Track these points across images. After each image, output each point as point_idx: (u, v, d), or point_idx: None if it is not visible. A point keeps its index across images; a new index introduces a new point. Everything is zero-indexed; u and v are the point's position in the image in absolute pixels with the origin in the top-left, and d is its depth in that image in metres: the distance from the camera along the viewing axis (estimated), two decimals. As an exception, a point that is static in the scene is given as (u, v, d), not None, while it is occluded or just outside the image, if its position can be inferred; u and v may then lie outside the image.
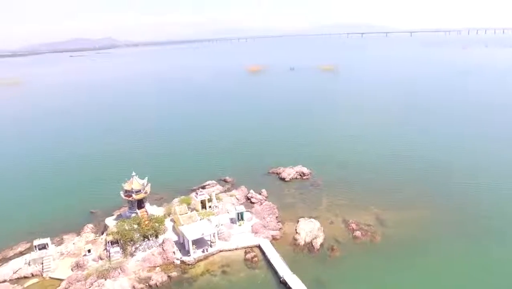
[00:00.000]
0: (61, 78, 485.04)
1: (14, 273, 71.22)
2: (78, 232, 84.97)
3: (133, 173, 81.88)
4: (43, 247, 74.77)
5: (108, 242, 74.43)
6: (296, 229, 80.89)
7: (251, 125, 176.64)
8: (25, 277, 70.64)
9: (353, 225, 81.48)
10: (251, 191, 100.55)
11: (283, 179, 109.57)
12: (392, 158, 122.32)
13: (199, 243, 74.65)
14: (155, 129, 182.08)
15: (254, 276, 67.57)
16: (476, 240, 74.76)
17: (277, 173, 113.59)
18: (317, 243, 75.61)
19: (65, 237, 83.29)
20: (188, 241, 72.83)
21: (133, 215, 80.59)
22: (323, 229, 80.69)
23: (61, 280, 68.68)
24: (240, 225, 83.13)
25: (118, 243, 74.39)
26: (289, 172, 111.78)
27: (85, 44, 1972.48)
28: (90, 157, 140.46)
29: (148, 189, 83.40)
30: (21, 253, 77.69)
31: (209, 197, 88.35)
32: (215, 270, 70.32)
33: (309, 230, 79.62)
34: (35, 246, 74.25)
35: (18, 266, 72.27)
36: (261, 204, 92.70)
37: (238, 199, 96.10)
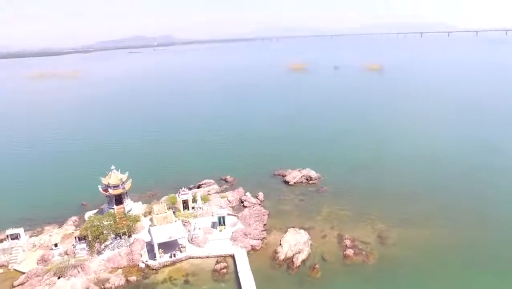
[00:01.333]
0: (113, 71, 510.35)
1: (-13, 259, 69.90)
2: (61, 224, 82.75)
3: (112, 167, 77.89)
4: (16, 237, 73.17)
5: (76, 237, 70.76)
6: (280, 240, 71.69)
7: (272, 123, 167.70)
8: (-4, 266, 69.06)
9: (347, 242, 70.45)
10: (247, 193, 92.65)
11: (286, 183, 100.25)
12: (420, 166, 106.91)
13: (168, 246, 68.48)
14: (174, 122, 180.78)
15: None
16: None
17: (282, 175, 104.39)
18: (299, 259, 65.87)
19: (46, 228, 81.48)
20: (154, 244, 66.84)
21: (111, 211, 76.38)
22: (311, 243, 70.80)
23: (23, 273, 66.04)
24: (220, 230, 75.68)
25: (85, 239, 70.33)
26: (294, 175, 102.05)
27: (145, 42, 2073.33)
28: (100, 147, 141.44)
29: (127, 185, 78.93)
30: (-1, 242, 76.47)
31: (192, 197, 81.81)
32: (178, 278, 63.72)
33: (294, 243, 70.04)
34: (7, 236, 72.89)
35: (-8, 252, 70.89)
36: (252, 208, 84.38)
37: (229, 201, 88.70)
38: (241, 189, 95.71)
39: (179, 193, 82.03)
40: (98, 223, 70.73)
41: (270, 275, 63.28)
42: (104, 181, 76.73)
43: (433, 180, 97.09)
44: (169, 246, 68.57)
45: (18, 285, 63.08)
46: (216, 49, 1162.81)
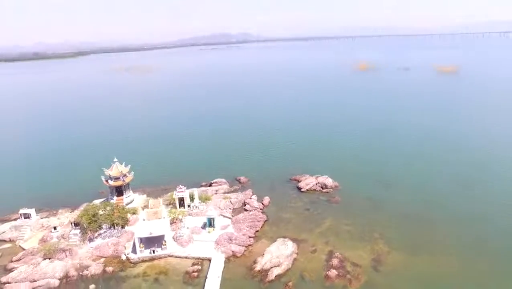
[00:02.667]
0: (183, 66, 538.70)
1: (1, 233, 77.44)
2: (74, 209, 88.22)
3: (115, 159, 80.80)
4: (27, 216, 79.62)
5: (71, 223, 74.76)
6: (265, 250, 67.67)
7: (311, 127, 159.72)
8: (3, 240, 76.30)
9: (335, 261, 63.80)
10: (253, 196, 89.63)
11: (299, 189, 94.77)
12: (455, 191, 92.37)
13: (151, 242, 68.80)
14: (213, 118, 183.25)
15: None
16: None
17: (297, 181, 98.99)
18: (274, 273, 61.36)
19: (60, 211, 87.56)
20: (135, 238, 67.68)
21: (109, 201, 79.40)
22: (295, 258, 65.67)
23: (24, 250, 71.73)
24: (209, 232, 74.05)
25: (78, 225, 73.93)
26: (308, 182, 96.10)
27: (224, 39, 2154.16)
28: (133, 138, 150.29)
29: (128, 178, 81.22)
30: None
31: (187, 195, 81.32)
32: (150, 275, 63.78)
33: (276, 254, 65.59)
34: (20, 214, 79.65)
35: (3, 229, 78.42)
36: (249, 213, 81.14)
37: (232, 203, 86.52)
38: (249, 192, 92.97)
39: (176, 190, 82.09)
40: (92, 212, 73.69)
41: (239, 285, 59.96)
42: (107, 172, 79.86)
43: (464, 207, 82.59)
44: (153, 241, 68.87)
45: (15, 260, 68.62)
46: (293, 47, 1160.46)
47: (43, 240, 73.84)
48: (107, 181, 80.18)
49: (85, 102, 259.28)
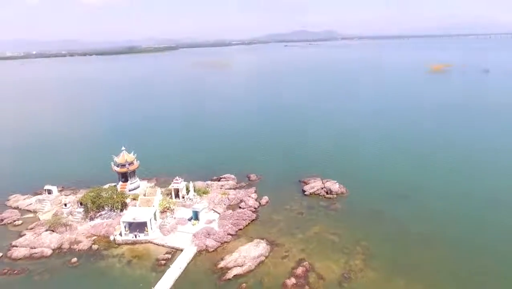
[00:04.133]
0: (255, 62, 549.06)
1: (27, 205, 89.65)
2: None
3: (123, 148, 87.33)
4: (50, 192, 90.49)
5: (78, 202, 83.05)
6: (237, 249, 67.93)
7: (345, 131, 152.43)
8: (29, 211, 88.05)
9: (301, 270, 61.51)
10: (252, 195, 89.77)
11: (303, 191, 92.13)
12: (470, 212, 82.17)
13: (135, 227, 73.62)
14: (253, 115, 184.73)
15: (143, 278, 61.67)
16: None
17: (305, 183, 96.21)
18: (232, 272, 61.43)
19: (81, 190, 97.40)
20: (121, 222, 73.02)
21: (113, 186, 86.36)
22: (262, 260, 64.86)
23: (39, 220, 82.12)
24: (193, 224, 76.52)
25: (82, 204, 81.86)
26: (313, 186, 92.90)
27: (306, 36, 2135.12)
28: (168, 129, 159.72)
29: (133, 166, 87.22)
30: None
31: (183, 187, 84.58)
32: (126, 257, 68.56)
33: (244, 254, 65.48)
34: (44, 190, 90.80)
35: (31, 201, 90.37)
36: (238, 210, 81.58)
37: (229, 199, 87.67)
38: (251, 190, 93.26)
39: (173, 181, 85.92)
40: (95, 194, 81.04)
41: (196, 279, 61.31)
42: (115, 159, 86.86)
43: (474, 237, 72.33)
44: (136, 227, 73.59)
45: (29, 229, 78.87)
46: (374, 45, 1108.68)
47: (55, 214, 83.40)
48: (116, 167, 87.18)
49: (143, 94, 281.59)
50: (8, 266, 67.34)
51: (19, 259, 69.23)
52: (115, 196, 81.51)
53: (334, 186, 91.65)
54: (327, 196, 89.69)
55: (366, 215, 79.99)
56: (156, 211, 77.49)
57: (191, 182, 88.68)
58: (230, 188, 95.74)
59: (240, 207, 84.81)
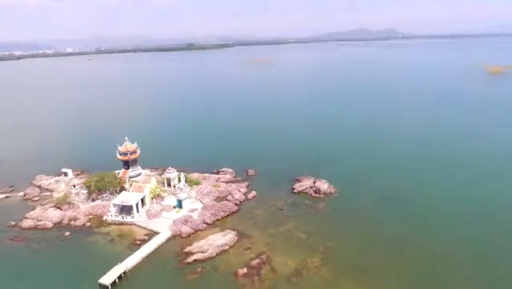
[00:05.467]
0: (301, 60, 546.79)
1: (47, 185, 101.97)
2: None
3: (126, 138, 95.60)
4: (66, 174, 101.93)
5: (83, 184, 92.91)
6: (206, 235, 72.72)
7: (361, 133, 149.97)
8: (47, 189, 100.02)
9: (256, 261, 64.65)
10: (241, 189, 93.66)
11: (293, 189, 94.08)
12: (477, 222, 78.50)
13: (123, 210, 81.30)
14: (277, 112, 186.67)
15: (119, 254, 68.28)
16: None
17: (298, 181, 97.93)
18: (193, 257, 66.28)
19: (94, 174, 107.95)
20: (111, 204, 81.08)
21: (115, 172, 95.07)
22: (225, 249, 68.96)
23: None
24: (177, 212, 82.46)
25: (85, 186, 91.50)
26: (303, 184, 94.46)
27: (364, 35, 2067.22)
28: (193, 121, 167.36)
29: (134, 155, 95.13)
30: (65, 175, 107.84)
31: (174, 177, 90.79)
32: (111, 235, 76.48)
33: (210, 242, 70.03)
34: (61, 172, 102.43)
35: (50, 182, 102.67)
36: (221, 202, 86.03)
37: (218, 191, 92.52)
38: (244, 184, 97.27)
39: (166, 171, 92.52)
40: (97, 178, 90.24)
41: (160, 259, 67.07)
42: (119, 148, 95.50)
43: (448, 244, 70.21)
44: (125, 210, 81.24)
45: (42, 205, 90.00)
46: (434, 45, 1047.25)
47: (65, 194, 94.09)
48: (118, 155, 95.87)
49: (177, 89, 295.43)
50: (16, 233, 78.48)
51: (26, 229, 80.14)
52: (114, 181, 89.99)
53: (323, 186, 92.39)
54: (314, 195, 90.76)
55: (345, 217, 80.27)
56: (145, 197, 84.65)
57: (182, 173, 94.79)
58: (226, 182, 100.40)
59: (226, 200, 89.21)
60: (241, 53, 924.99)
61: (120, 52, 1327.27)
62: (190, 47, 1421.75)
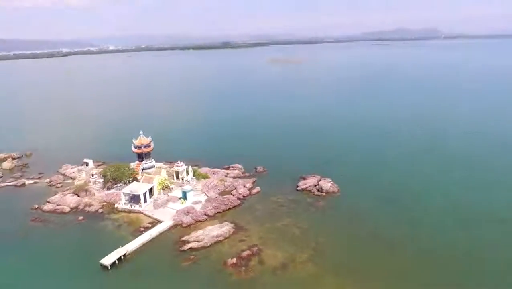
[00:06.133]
0: (333, 60, 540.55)
1: (70, 173, 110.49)
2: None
3: (140, 132, 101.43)
4: (87, 164, 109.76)
5: (100, 174, 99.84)
6: (205, 226, 76.66)
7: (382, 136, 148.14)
8: (70, 177, 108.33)
9: (247, 253, 67.60)
10: (247, 185, 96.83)
11: (297, 187, 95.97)
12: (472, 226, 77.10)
13: (132, 199, 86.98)
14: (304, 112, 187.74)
15: (122, 239, 73.63)
16: None
17: (303, 179, 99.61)
18: (188, 246, 70.27)
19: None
20: (121, 193, 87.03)
21: (129, 163, 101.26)
22: (220, 240, 72.43)
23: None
24: (181, 203, 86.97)
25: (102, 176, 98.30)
26: (307, 182, 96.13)
27: (404, 34, 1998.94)
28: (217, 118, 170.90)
29: (147, 148, 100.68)
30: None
31: (183, 170, 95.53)
32: (119, 222, 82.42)
33: (207, 233, 73.89)
34: (83, 162, 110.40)
35: (73, 170, 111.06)
36: (223, 196, 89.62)
37: (224, 186, 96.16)
38: (251, 180, 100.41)
39: (175, 164, 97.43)
40: (112, 169, 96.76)
41: (158, 245, 71.74)
42: (134, 142, 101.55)
43: (443, 247, 69.49)
44: (133, 199, 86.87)
45: (63, 191, 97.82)
46: (478, 46, 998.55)
47: (85, 182, 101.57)
48: (133, 148, 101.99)
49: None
50: (38, 215, 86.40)
51: (46, 211, 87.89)
52: (128, 172, 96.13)
53: (326, 185, 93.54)
54: (316, 193, 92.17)
55: (343, 216, 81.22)
56: (153, 187, 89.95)
57: (190, 166, 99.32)
58: (234, 177, 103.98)
59: (231, 194, 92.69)
60: (275, 52, 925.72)
61: (158, 50, 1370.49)
62: (225, 45, 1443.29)
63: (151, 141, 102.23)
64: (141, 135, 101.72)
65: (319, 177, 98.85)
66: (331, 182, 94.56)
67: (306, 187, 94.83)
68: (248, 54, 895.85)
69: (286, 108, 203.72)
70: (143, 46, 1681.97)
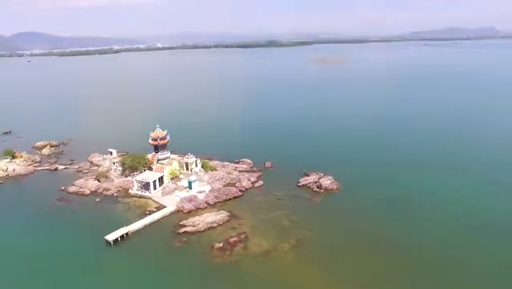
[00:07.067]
0: (371, 60, 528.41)
1: (97, 161, 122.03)
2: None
3: (157, 126, 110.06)
4: (111, 153, 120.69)
5: (120, 162, 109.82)
6: (203, 213, 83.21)
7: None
8: (96, 165, 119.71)
9: (234, 239, 73.08)
10: (251, 178, 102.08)
11: (298, 182, 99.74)
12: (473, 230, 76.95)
13: (144, 186, 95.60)
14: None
15: (129, 220, 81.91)
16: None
17: (306, 175, 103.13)
18: (184, 229, 77.07)
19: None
20: (134, 180, 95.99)
21: (146, 154, 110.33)
22: (213, 226, 78.53)
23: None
24: (187, 191, 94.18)
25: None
26: (308, 179, 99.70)
27: (456, 34, 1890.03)
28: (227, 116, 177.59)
29: (163, 140, 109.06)
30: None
31: (192, 162, 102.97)
32: (129, 205, 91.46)
33: (202, 219, 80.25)
34: (108, 151, 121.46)
35: (99, 158, 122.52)
36: (227, 188, 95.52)
37: (230, 178, 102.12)
38: (256, 174, 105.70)
39: (185, 156, 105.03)
40: (130, 158, 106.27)
41: (158, 227, 79.48)
42: (151, 134, 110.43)
43: (432, 249, 70.26)
44: (145, 185, 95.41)
45: (89, 176, 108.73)
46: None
47: (107, 169, 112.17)
48: (150, 140, 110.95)
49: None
50: (63, 196, 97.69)
51: (70, 193, 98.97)
52: (143, 162, 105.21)
53: (326, 182, 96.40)
54: (316, 190, 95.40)
55: (336, 213, 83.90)
56: (164, 176, 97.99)
57: (199, 159, 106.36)
58: (242, 171, 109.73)
59: (235, 186, 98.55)
60: (317, 51, 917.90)
61: (204, 48, 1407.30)
62: (269, 44, 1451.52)
63: (166, 134, 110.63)
64: (158, 128, 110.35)
65: (322, 174, 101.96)
66: (331, 180, 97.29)
67: (307, 183, 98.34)
68: (292, 53, 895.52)
69: (306, 108, 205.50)
70: (189, 44, 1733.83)
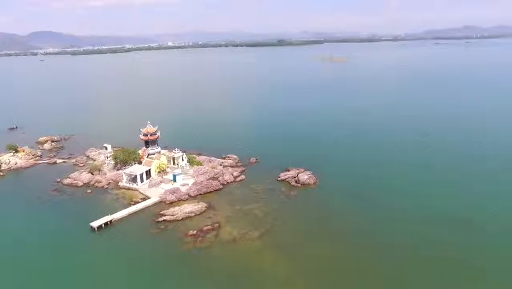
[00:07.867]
0: (375, 59, 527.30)
1: (92, 155, 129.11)
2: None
3: (148, 122, 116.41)
4: (106, 148, 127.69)
5: (112, 156, 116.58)
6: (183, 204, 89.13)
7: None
8: (92, 159, 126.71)
9: (208, 227, 78.72)
10: (234, 173, 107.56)
11: (278, 177, 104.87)
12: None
13: (132, 178, 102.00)
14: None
15: (115, 209, 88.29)
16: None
17: (287, 170, 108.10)
18: (163, 218, 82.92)
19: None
20: (122, 173, 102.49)
21: (136, 149, 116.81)
22: (191, 216, 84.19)
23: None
24: (172, 184, 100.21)
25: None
26: (287, 174, 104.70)
27: (472, 32, 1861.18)
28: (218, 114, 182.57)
29: (153, 136, 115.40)
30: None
31: (179, 156, 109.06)
32: (117, 196, 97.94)
33: (181, 209, 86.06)
34: (103, 146, 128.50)
35: (95, 153, 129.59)
36: (208, 181, 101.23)
37: (214, 172, 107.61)
38: (240, 169, 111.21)
39: (172, 151, 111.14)
40: (121, 152, 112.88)
41: (139, 216, 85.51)
42: (142, 130, 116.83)
43: (394, 247, 74.60)
44: (132, 178, 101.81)
45: (85, 168, 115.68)
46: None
47: (100, 163, 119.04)
48: (141, 136, 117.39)
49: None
50: (58, 187, 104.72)
51: (65, 184, 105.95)
52: (133, 156, 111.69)
53: (303, 177, 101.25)
54: (293, 184, 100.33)
55: (309, 206, 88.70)
56: (151, 170, 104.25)
57: (184, 153, 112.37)
58: (227, 166, 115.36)
59: (217, 180, 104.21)
60: (326, 50, 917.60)
61: (214, 47, 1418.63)
62: (280, 43, 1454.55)
63: (156, 130, 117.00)
64: (149, 124, 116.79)
65: (302, 169, 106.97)
66: (309, 175, 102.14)
67: (286, 178, 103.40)
68: (299, 51, 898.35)
69: (297, 107, 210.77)
70: (200, 43, 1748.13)
